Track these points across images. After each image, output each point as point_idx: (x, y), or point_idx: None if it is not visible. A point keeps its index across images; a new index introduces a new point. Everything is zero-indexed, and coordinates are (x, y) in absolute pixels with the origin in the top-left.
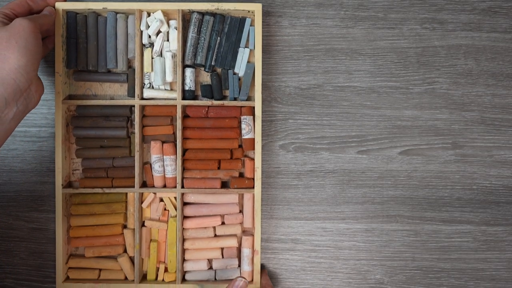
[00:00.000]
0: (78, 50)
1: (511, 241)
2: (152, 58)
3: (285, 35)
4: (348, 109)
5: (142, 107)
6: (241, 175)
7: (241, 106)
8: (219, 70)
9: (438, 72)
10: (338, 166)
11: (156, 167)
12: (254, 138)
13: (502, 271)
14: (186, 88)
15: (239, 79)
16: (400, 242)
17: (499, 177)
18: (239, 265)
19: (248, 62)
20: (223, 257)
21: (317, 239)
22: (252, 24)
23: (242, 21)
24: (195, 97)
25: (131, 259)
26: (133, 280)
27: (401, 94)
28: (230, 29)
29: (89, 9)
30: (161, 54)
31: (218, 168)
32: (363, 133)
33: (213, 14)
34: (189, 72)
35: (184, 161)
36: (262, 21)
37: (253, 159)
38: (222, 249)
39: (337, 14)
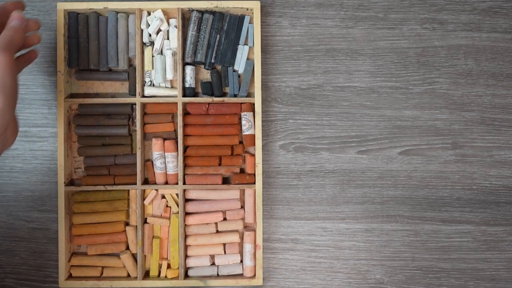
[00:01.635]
0: (79, 49)
1: (511, 241)
2: (153, 56)
3: (285, 35)
4: (348, 109)
5: (143, 105)
6: (242, 171)
7: (241, 103)
8: (219, 67)
9: (438, 72)
10: (338, 166)
11: (158, 164)
12: (254, 134)
13: (502, 271)
14: (187, 85)
15: (239, 76)
16: (400, 242)
17: (499, 177)
18: (241, 261)
19: (247, 59)
20: (225, 252)
21: (317, 239)
22: (251, 22)
23: (241, 18)
24: (195, 94)
25: (134, 256)
26: (136, 277)
27: (401, 94)
28: (229, 27)
29: (90, 9)
30: (161, 52)
31: (219, 164)
32: (363, 133)
33: (212, 12)
34: (189, 69)
35: (185, 157)
36: (262, 22)
37: (253, 155)
38: (224, 245)
39: (337, 14)
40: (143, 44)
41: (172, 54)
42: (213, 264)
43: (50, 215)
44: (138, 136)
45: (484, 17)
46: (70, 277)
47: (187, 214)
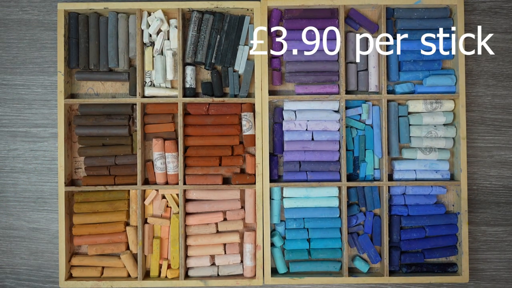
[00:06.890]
0: (79, 49)
1: (511, 241)
2: (153, 56)
3: None
4: None
5: (144, 105)
6: (243, 171)
7: (242, 103)
8: (219, 67)
9: None
10: None
11: (158, 164)
12: (254, 135)
13: (502, 271)
14: (187, 85)
15: (239, 76)
16: None
17: (499, 177)
18: (242, 261)
19: (247, 59)
20: (225, 253)
21: None
22: (251, 22)
23: (241, 19)
24: (195, 95)
25: (134, 256)
26: (136, 277)
27: None
28: (229, 27)
29: (90, 9)
30: (161, 53)
31: (220, 164)
32: None
33: (212, 12)
34: (189, 70)
35: (185, 158)
36: None
37: (254, 155)
38: (224, 245)
39: None
40: (144, 45)
41: (173, 55)
42: (213, 264)
43: (50, 215)
44: (139, 136)
45: (484, 17)
46: (70, 277)
47: (187, 214)
